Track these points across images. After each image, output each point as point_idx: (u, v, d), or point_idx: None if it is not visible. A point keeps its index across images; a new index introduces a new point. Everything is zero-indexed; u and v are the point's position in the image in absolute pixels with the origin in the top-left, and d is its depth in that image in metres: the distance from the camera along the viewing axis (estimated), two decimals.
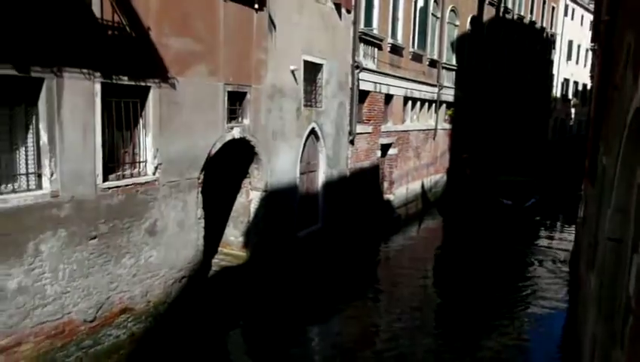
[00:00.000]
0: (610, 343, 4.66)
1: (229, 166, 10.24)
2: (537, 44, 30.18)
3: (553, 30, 32.96)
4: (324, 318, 9.96)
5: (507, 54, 26.12)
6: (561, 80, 35.32)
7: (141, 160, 7.68)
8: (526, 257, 14.74)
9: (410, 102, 18.19)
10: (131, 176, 7.51)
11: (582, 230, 10.00)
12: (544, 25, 31.13)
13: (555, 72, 33.99)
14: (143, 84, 7.45)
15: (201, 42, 8.44)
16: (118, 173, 7.33)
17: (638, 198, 4.26)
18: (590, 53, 37.11)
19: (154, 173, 7.77)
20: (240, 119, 9.66)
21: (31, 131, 6.19)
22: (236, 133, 9.45)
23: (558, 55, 34.22)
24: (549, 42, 32.83)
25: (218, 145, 8.99)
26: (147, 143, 7.69)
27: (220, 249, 10.71)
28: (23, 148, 6.17)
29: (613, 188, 4.78)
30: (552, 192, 22.66)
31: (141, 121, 7.63)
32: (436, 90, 19.92)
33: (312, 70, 11.84)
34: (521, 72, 28.11)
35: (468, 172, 18.22)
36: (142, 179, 7.60)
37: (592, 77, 12.87)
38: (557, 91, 35.21)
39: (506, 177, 22.19)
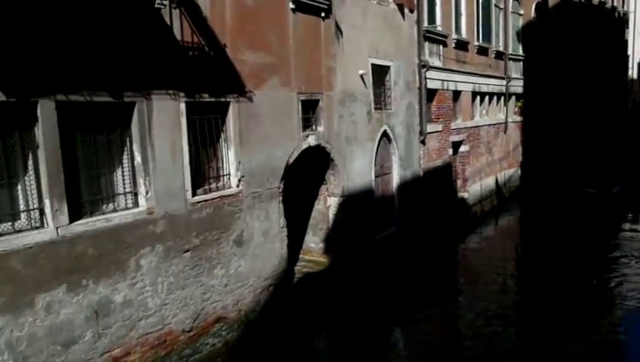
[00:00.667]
0: None
1: (305, 174, 10.38)
2: (609, 24, 28.69)
3: (625, 9, 31.24)
4: (406, 320, 9.92)
5: (576, 39, 24.99)
6: (637, 60, 33.38)
7: (225, 173, 7.94)
8: (614, 249, 14.02)
9: (478, 97, 17.80)
10: (217, 189, 7.78)
11: None
12: (614, 4, 29.58)
13: (629, 52, 32.18)
14: (222, 100, 7.71)
15: (274, 54, 8.64)
16: (205, 188, 7.61)
17: None
18: None
19: (237, 186, 8.01)
20: (314, 127, 9.79)
21: (126, 153, 6.56)
22: (311, 140, 9.59)
23: (632, 35, 32.38)
24: (622, 22, 31.12)
25: (295, 154, 9.15)
26: (230, 157, 7.94)
27: (301, 256, 10.86)
28: (120, 170, 6.54)
29: None
30: (635, 179, 21.51)
31: (222, 136, 7.89)
32: (504, 82, 19.40)
33: (379, 73, 11.83)
34: (593, 55, 26.80)
35: (548, 162, 17.68)
36: (227, 192, 7.85)
37: None
38: (633, 73, 33.30)
39: (588, 165, 21.26)
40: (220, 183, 7.89)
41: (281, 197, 8.85)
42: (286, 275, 9.13)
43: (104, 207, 6.35)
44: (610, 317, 9.97)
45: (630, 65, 32.81)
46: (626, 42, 31.86)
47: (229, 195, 7.86)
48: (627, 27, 32.06)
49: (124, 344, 6.31)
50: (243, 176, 8.06)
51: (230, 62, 7.79)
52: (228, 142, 7.93)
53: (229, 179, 7.99)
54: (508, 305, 10.78)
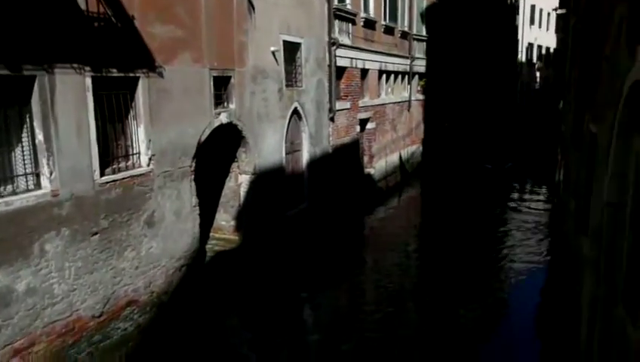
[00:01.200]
0: (612, 302, 4.96)
1: (217, 151, 10.22)
2: (502, 10, 30.52)
3: None
4: (316, 292, 10.23)
5: (474, 23, 26.35)
6: (525, 44, 35.84)
7: (134, 152, 7.62)
8: (504, 221, 15.32)
9: (384, 76, 18.30)
10: (127, 168, 7.46)
11: (563, 193, 10.37)
12: None
13: (519, 37, 34.46)
14: (131, 75, 7.35)
15: (185, 28, 8.33)
16: (114, 167, 7.28)
17: (637, 164, 4.51)
18: (553, 17, 37.77)
19: (148, 165, 7.73)
20: (226, 104, 9.62)
21: (26, 131, 6.08)
22: (223, 118, 9.42)
23: (522, 20, 34.64)
24: (513, 8, 33.21)
25: (207, 132, 8.96)
26: (139, 135, 7.62)
27: (211, 234, 10.74)
28: (20, 149, 6.07)
29: (608, 156, 5.02)
30: (525, 157, 23.42)
31: (132, 113, 7.54)
32: (408, 61, 20.08)
33: (291, 50, 11.80)
34: (488, 39, 28.43)
35: (450, 139, 18.82)
36: (137, 171, 7.56)
37: (563, 41, 13.17)
38: (522, 56, 35.75)
39: (484, 143, 22.78)
40: (130, 162, 7.57)
41: (193, 176, 8.66)
42: (198, 255, 9.01)
43: (1, 189, 5.88)
44: (500, 280, 11.03)
45: (520, 49, 35.15)
46: (516, 27, 34.07)
47: (140, 175, 7.57)
48: (517, 13, 34.26)
49: (27, 334, 5.96)
50: (154, 155, 7.79)
51: (139, 35, 7.42)
52: (137, 120, 7.60)
53: (139, 158, 7.68)
54: (409, 273, 11.54)
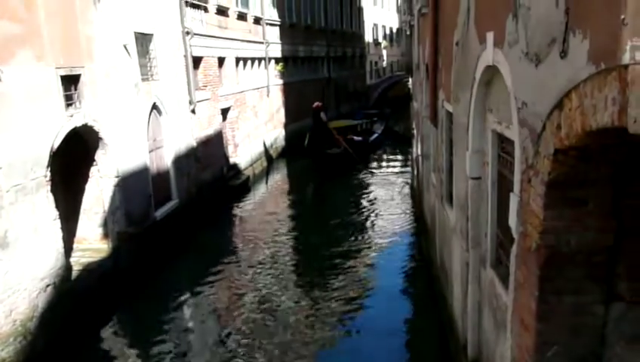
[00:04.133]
0: (480, 266, 5.48)
1: (72, 156, 9.37)
2: None
3: None
4: (192, 292, 10.06)
5: (323, 5, 27.08)
6: (371, 25, 37.64)
7: None
8: (372, 191, 16.56)
9: (241, 63, 18.13)
10: None
11: (422, 166, 11.16)
12: None
13: (365, 18, 36.08)
14: None
15: (21, 23, 7.45)
16: None
17: (492, 140, 4.98)
18: None
19: None
20: (78, 104, 8.84)
21: None
22: (77, 120, 8.66)
23: (365, 1, 36.29)
24: None
25: (61, 137, 8.17)
26: None
27: (75, 245, 9.90)
28: None
29: (467, 133, 5.48)
30: (385, 131, 25.16)
31: None
32: (264, 47, 20.07)
33: (143, 42, 11.15)
34: (337, 20, 29.41)
35: (324, 118, 19.42)
36: None
37: (410, 25, 14.07)
38: (369, 36, 37.53)
39: (346, 121, 23.89)
40: None
41: (49, 186, 7.87)
42: (65, 271, 8.26)
43: None
44: (367, 250, 11.80)
45: (366, 30, 36.85)
46: (361, 9, 35.61)
47: None
48: None
49: None
50: (0, 168, 6.92)
51: None
52: None
53: None
54: (281, 255, 11.78)
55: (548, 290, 3.29)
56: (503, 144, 4.67)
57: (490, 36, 4.35)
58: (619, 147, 2.74)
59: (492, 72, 4.62)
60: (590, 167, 2.96)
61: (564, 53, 2.72)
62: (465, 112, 5.59)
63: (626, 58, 2.03)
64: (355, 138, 21.66)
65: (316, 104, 19.88)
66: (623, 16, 2.03)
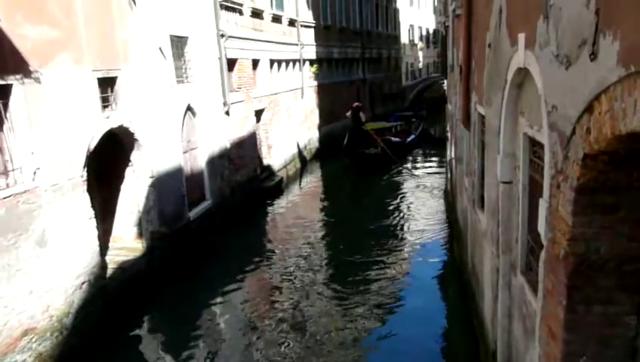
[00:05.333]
0: (511, 272, 5.36)
1: (109, 156, 9.61)
2: None
3: None
4: (223, 293, 10.10)
5: (358, 7, 27.02)
6: (407, 26, 37.34)
7: (15, 167, 6.94)
8: (406, 193, 16.53)
9: (275, 65, 18.23)
10: (7, 186, 6.77)
11: (456, 169, 10.99)
12: None
13: (401, 19, 35.83)
14: (2, 82, 6.66)
15: (60, 27, 7.68)
16: None
17: (524, 144, 4.86)
18: None
19: (33, 179, 7.08)
20: (114, 106, 9.05)
21: None
22: (113, 121, 8.87)
23: (402, 1, 36.03)
24: None
25: (97, 138, 8.39)
26: (19, 148, 6.94)
27: (111, 244, 10.15)
28: None
29: (499, 136, 5.36)
30: (420, 133, 25.08)
31: (7, 125, 6.84)
32: (298, 48, 20.14)
33: (178, 44, 11.35)
34: (372, 22, 29.29)
35: (363, 118, 19.67)
36: (20, 188, 6.88)
37: (444, 25, 13.89)
38: (405, 37, 37.24)
39: (380, 123, 24.00)
40: (10, 179, 6.88)
41: (85, 186, 8.09)
42: (100, 269, 8.47)
43: None
44: (401, 253, 11.71)
45: (402, 31, 36.59)
46: (397, 10, 35.38)
47: (24, 191, 6.91)
48: None
49: None
50: (38, 169, 7.15)
51: (7, 39, 6.72)
52: (14, 132, 6.91)
53: (21, 173, 7.01)
54: (313, 259, 11.71)
55: (576, 299, 3.19)
56: (535, 148, 4.55)
57: (521, 38, 4.25)
58: None
59: (524, 74, 4.52)
60: (621, 172, 2.85)
61: (593, 55, 2.63)
62: (497, 115, 5.48)
63: None
64: (393, 139, 22.10)
65: (356, 104, 20.30)
66: None
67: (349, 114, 20.06)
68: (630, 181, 2.90)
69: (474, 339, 7.32)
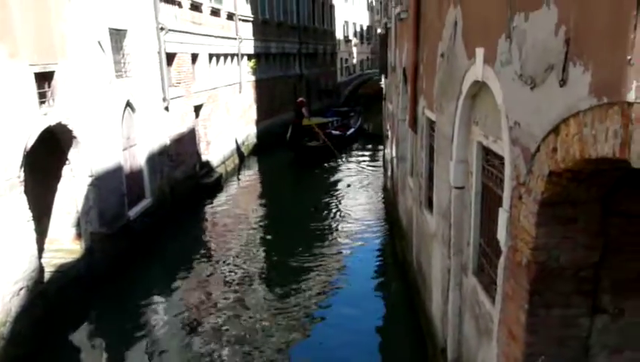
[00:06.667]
0: (462, 273, 5.63)
1: (44, 154, 9.14)
2: None
3: None
4: (165, 292, 10.01)
5: (295, 2, 27.01)
6: (342, 22, 37.71)
7: None
8: (347, 185, 17.07)
9: (214, 59, 17.96)
10: None
11: (397, 168, 11.31)
12: None
13: (336, 14, 36.13)
14: None
15: None
16: None
17: (477, 152, 5.11)
18: None
19: None
20: (52, 102, 8.62)
21: None
22: (51, 118, 8.45)
23: None
24: None
25: (34, 136, 7.96)
26: None
27: (47, 246, 9.67)
28: None
29: (452, 144, 5.60)
30: (357, 128, 25.93)
31: None
32: (237, 43, 19.90)
33: (117, 38, 10.94)
34: (309, 17, 29.37)
35: (305, 113, 20.02)
36: None
37: (386, 27, 14.19)
38: (340, 33, 37.60)
39: (320, 120, 24.30)
40: None
41: (22, 187, 7.67)
42: (38, 273, 8.07)
43: None
44: (341, 251, 11.93)
45: (337, 27, 36.91)
46: (332, 6, 35.65)
47: None
48: None
49: None
50: None
51: None
52: None
53: None
54: (252, 253, 11.82)
55: (537, 303, 3.42)
56: (488, 156, 4.79)
57: (480, 52, 4.45)
58: (613, 172, 2.87)
59: (479, 85, 4.73)
60: (582, 188, 3.09)
61: (563, 82, 2.83)
62: (449, 123, 5.71)
63: (632, 96, 2.14)
64: (334, 132, 23.06)
65: (300, 99, 21.00)
66: (629, 57, 2.14)
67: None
68: (588, 195, 3.16)
69: (420, 337, 7.54)
